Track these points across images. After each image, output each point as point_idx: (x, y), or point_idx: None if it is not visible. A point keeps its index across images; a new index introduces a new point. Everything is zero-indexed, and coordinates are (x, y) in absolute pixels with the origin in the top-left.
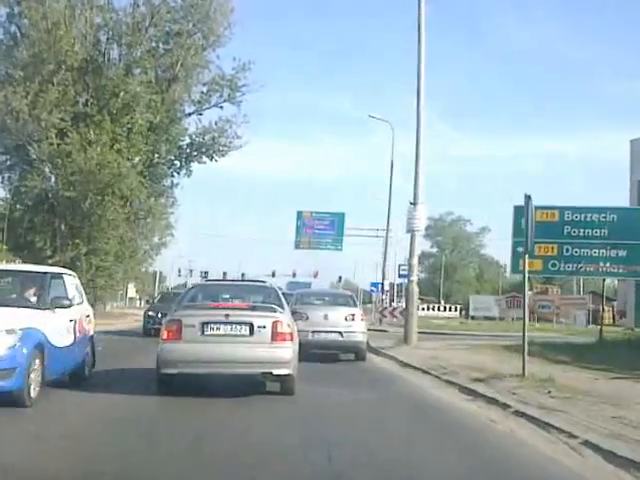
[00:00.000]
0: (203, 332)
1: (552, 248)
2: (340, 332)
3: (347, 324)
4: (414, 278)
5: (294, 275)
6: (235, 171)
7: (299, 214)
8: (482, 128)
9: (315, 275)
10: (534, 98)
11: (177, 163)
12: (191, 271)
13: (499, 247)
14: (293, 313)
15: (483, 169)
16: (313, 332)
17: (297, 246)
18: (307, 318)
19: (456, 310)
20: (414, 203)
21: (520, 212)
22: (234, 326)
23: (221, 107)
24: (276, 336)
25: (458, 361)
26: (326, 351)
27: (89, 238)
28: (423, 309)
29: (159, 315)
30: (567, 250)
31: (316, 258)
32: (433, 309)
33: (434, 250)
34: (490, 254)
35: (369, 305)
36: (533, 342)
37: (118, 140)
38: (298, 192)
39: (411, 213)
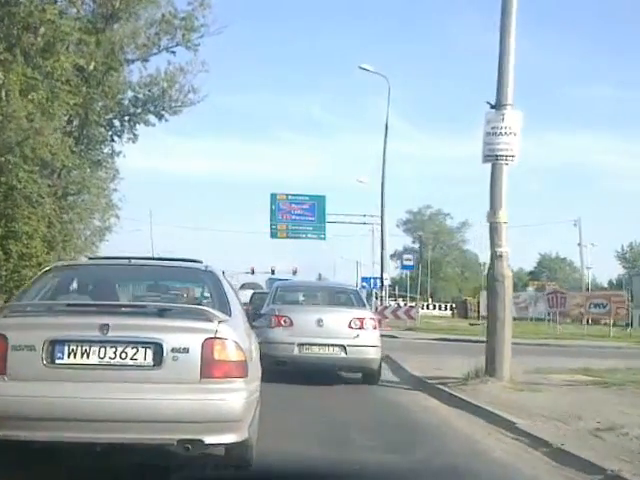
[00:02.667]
0: (52, 360)
1: None
2: (343, 346)
3: (353, 334)
4: (503, 252)
5: (273, 272)
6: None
7: (273, 197)
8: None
9: (294, 272)
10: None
11: (117, 124)
12: None
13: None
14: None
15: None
16: (300, 345)
17: (274, 235)
18: (291, 324)
19: (446, 309)
20: (498, 106)
21: None
22: (120, 348)
23: (172, 52)
24: (212, 368)
25: None
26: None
27: (4, 217)
28: (386, 307)
29: None
30: None
31: (297, 253)
32: (422, 307)
33: (416, 246)
34: (473, 250)
35: None
36: None
37: (34, 88)
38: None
39: (494, 125)
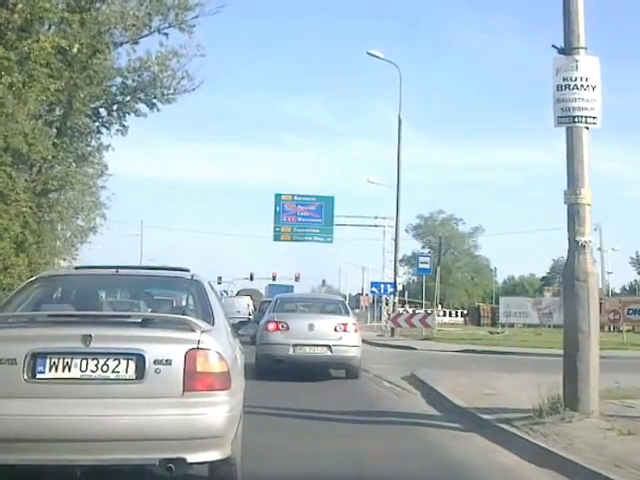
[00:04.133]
0: (33, 374)
1: None
2: (329, 346)
3: (337, 336)
4: (587, 241)
5: (274, 278)
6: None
7: (277, 198)
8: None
9: (297, 278)
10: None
11: (104, 113)
12: None
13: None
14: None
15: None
16: (295, 346)
17: (277, 238)
18: (287, 328)
19: (457, 315)
20: (569, 49)
21: None
22: (102, 360)
23: (165, 34)
24: (195, 380)
25: None
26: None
27: None
28: (399, 314)
29: None
30: None
31: (300, 258)
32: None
33: (426, 251)
34: (485, 255)
35: (356, 310)
36: None
37: (8, 70)
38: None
39: (567, 75)
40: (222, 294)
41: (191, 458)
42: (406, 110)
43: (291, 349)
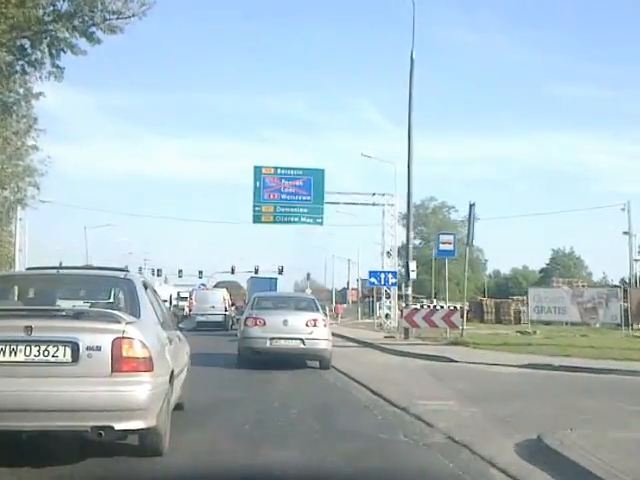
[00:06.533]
0: None
1: None
2: (301, 339)
3: (309, 330)
4: None
5: (256, 271)
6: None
7: (257, 171)
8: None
9: (280, 271)
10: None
11: (28, 46)
12: (140, 268)
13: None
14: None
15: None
16: (271, 339)
17: (257, 219)
18: (264, 324)
19: (455, 309)
20: None
21: None
22: (43, 347)
23: None
24: (121, 363)
25: None
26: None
27: None
28: (416, 310)
29: None
30: None
31: (284, 247)
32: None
33: (417, 242)
34: (478, 246)
35: (344, 305)
36: None
37: None
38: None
39: None
40: (200, 287)
41: (118, 426)
42: (392, 105)
43: (268, 342)
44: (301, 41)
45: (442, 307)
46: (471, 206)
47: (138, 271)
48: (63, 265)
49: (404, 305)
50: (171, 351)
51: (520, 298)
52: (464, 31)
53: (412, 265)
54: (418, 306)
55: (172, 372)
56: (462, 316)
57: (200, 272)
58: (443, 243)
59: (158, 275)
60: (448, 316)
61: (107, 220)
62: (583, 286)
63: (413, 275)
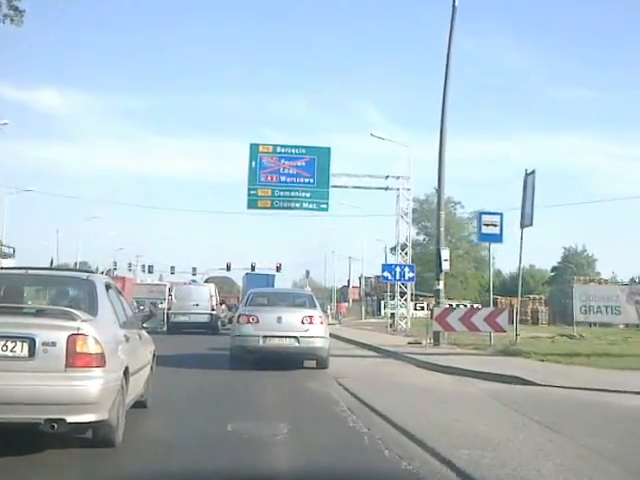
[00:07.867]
0: None
1: None
2: (296, 337)
3: (304, 328)
4: None
5: (253, 268)
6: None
7: (253, 149)
8: None
9: (278, 268)
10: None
11: None
12: (130, 264)
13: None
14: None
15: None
16: (264, 337)
17: (252, 204)
18: (257, 321)
19: (503, 309)
20: None
21: None
22: (2, 343)
23: None
24: (75, 359)
25: None
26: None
27: None
28: (422, 308)
29: None
30: None
31: (283, 241)
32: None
33: (421, 238)
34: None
35: (345, 304)
36: None
37: None
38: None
39: None
40: (191, 283)
41: (70, 419)
42: (392, 106)
43: (261, 340)
44: (301, 42)
45: (480, 307)
46: (528, 175)
47: (128, 267)
48: (53, 264)
49: (435, 303)
50: (127, 349)
51: (537, 297)
52: (464, 36)
53: (445, 254)
54: (453, 305)
55: (127, 368)
56: (513, 318)
57: (194, 269)
58: (486, 225)
59: (150, 272)
60: (493, 317)
61: (96, 213)
62: (605, 282)
63: (445, 266)
